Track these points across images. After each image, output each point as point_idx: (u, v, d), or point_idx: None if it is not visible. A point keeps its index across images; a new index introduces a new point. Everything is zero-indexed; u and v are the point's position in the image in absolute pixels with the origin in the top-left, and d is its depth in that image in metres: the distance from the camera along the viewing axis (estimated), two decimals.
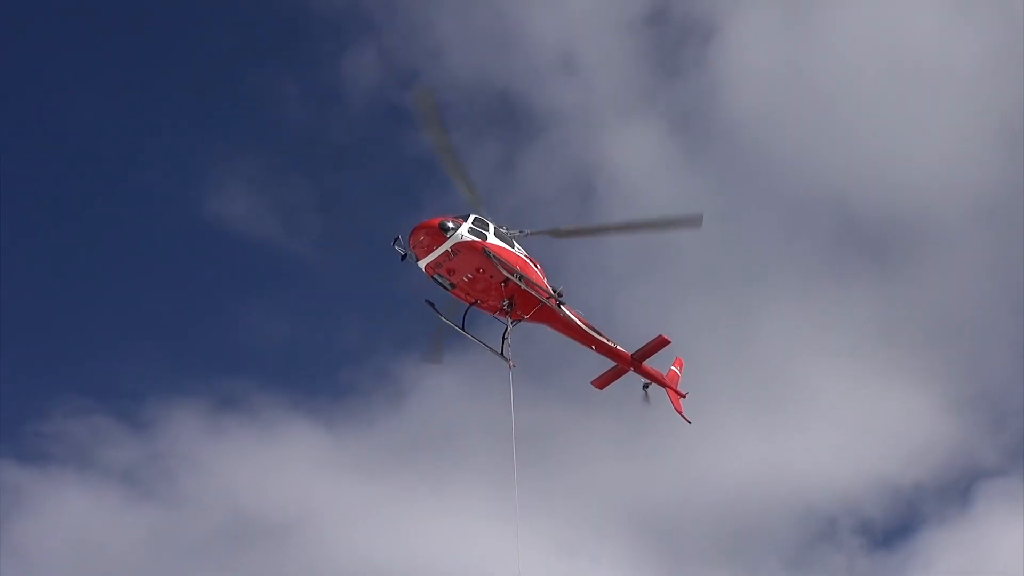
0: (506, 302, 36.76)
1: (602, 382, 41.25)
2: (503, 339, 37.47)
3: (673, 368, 43.91)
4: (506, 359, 37.45)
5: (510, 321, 37.41)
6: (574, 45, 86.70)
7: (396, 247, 35.42)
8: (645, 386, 42.22)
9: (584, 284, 79.19)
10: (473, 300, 36.81)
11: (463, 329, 37.86)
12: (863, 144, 79.16)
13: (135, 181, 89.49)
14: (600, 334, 39.53)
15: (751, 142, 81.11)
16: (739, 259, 74.74)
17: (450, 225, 35.28)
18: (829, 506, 73.10)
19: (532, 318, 37.64)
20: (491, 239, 36.00)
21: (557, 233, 36.92)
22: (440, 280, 36.00)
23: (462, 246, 35.30)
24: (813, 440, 73.51)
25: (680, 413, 42.94)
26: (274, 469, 75.78)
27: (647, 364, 41.70)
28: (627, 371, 41.11)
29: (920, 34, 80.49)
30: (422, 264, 35.47)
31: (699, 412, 73.92)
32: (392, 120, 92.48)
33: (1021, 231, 78.46)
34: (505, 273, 35.87)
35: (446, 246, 35.09)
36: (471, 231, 35.62)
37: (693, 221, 36.29)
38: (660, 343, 40.57)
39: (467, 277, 35.86)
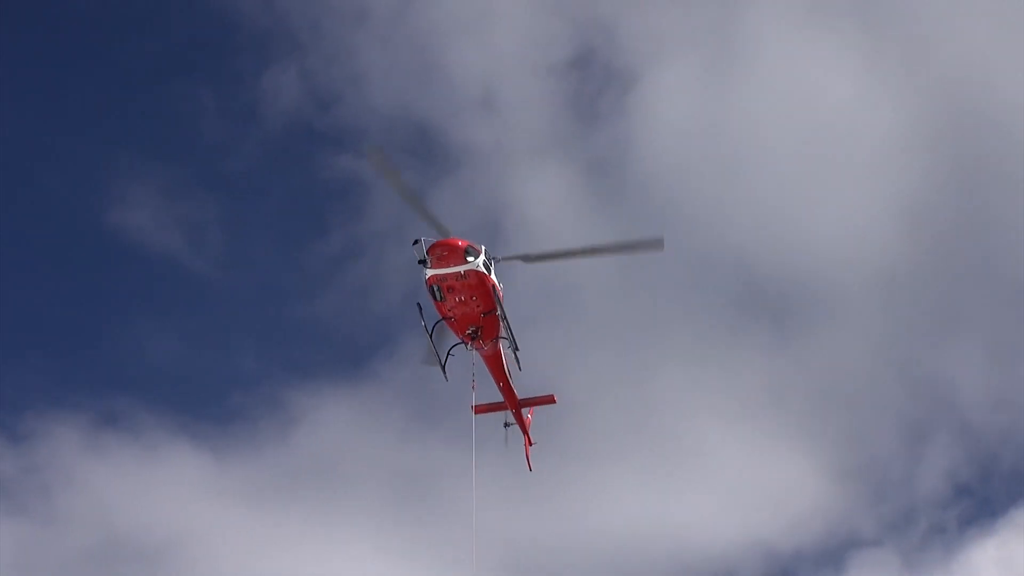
0: (474, 329, 38.44)
1: (482, 410, 43.17)
2: (447, 355, 40.22)
3: (528, 416, 45.44)
4: (445, 374, 40.53)
5: (469, 345, 39.56)
6: (495, 83, 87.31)
7: (415, 249, 37.02)
8: (507, 424, 44.63)
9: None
10: (449, 316, 38.33)
11: (431, 335, 39.78)
12: (769, 208, 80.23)
13: (32, 183, 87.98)
14: (509, 375, 42.14)
15: (661, 195, 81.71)
16: (641, 313, 75.04)
17: (472, 252, 37.02)
18: (708, 566, 73.29)
19: (480, 347, 39.89)
20: (492, 274, 37.88)
21: (527, 258, 38.41)
22: (435, 290, 37.46)
23: (473, 274, 37.07)
24: (699, 500, 73.86)
25: (527, 459, 45.39)
26: (153, 490, 74.36)
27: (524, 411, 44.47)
28: (507, 409, 43.92)
29: (834, 105, 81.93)
30: (431, 273, 37.05)
31: (590, 464, 74.79)
32: (307, 142, 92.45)
33: (913, 309, 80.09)
34: (500, 311, 38.00)
35: (461, 268, 36.84)
36: (484, 264, 37.41)
37: (655, 244, 37.87)
38: (547, 400, 44.01)
39: (460, 298, 37.49)
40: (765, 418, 76.40)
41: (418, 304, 39.37)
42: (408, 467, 75.82)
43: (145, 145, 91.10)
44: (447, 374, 40.35)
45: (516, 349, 39.47)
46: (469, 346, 39.54)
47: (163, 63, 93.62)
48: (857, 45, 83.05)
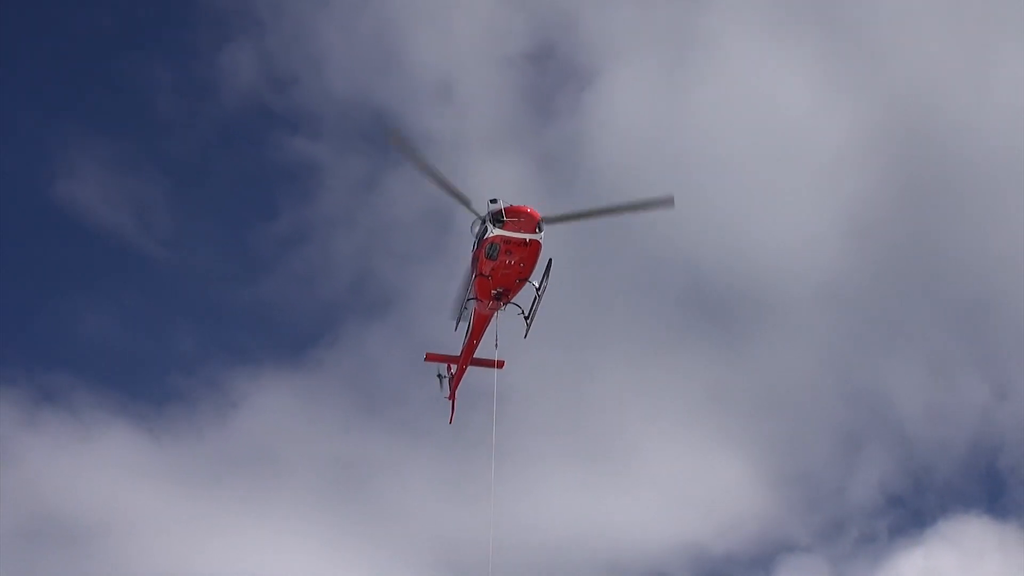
0: (502, 290, 39.29)
1: (434, 358, 44.80)
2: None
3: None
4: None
5: (487, 304, 40.24)
6: (454, 73, 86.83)
7: (491, 204, 37.60)
8: (440, 375, 46.04)
9: (433, 311, 79.77)
10: (487, 274, 38.87)
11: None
12: (719, 211, 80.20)
13: None
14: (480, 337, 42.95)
15: (612, 193, 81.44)
16: (586, 310, 75.05)
17: (543, 226, 37.71)
18: (640, 567, 73.66)
19: (494, 307, 40.55)
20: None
21: (544, 220, 38.39)
22: (492, 249, 37.97)
23: (536, 244, 37.89)
24: (634, 500, 74.12)
25: (452, 409, 46.62)
26: (88, 470, 73.74)
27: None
28: (455, 364, 44.89)
29: (789, 113, 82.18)
30: (500, 232, 37.52)
31: (527, 462, 74.90)
32: (262, 122, 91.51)
33: (855, 320, 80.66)
34: (543, 283, 39.37)
35: (528, 236, 37.49)
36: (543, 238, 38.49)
37: (666, 202, 38.38)
38: (497, 364, 43.41)
39: (511, 262, 38.19)
40: (704, 421, 76.87)
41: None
42: (346, 457, 75.91)
43: (97, 118, 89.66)
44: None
45: (530, 319, 40.52)
46: (488, 305, 40.21)
47: (120, 34, 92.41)
48: (815, 55, 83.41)
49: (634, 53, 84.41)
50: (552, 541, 69.24)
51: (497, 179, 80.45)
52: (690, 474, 75.28)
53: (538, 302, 40.08)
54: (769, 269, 77.36)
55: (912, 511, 77.74)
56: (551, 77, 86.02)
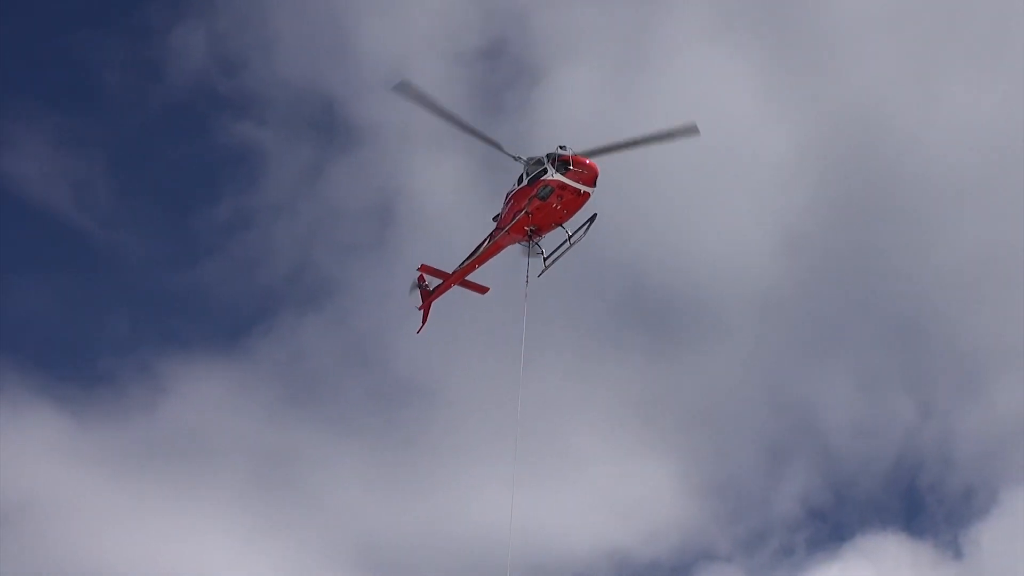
0: (536, 228, 40.91)
1: (429, 271, 45.85)
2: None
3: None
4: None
5: (525, 242, 41.83)
6: (404, 65, 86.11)
7: (560, 149, 39.25)
8: (420, 286, 46.82)
9: (369, 307, 79.44)
10: (527, 211, 40.22)
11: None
12: (660, 218, 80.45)
13: None
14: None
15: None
16: (519, 312, 74.93)
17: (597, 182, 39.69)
18: (563, 571, 73.58)
19: (522, 240, 41.91)
20: None
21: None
22: (545, 190, 39.56)
23: (587, 197, 39.76)
24: (561, 504, 73.98)
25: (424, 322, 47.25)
26: (8, 451, 72.28)
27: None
28: (448, 280, 45.53)
29: (734, 122, 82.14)
30: (562, 179, 39.17)
31: (458, 460, 74.72)
32: (209, 105, 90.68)
33: (787, 332, 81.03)
34: (579, 234, 40.96)
35: (584, 188, 39.37)
36: None
37: (690, 130, 40.48)
38: (482, 289, 45.61)
39: (558, 207, 39.87)
40: (634, 428, 76.90)
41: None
42: (275, 448, 75.36)
43: (42, 92, 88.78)
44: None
45: (550, 261, 41.50)
46: (514, 237, 41.60)
47: (71, 9, 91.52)
48: (762, 66, 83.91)
49: (584, 54, 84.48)
50: (478, 540, 69.14)
51: (442, 173, 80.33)
52: (618, 480, 75.37)
53: (567, 249, 41.22)
54: (706, 278, 77.64)
55: (832, 525, 78.38)
56: (501, 74, 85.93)
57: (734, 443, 78.99)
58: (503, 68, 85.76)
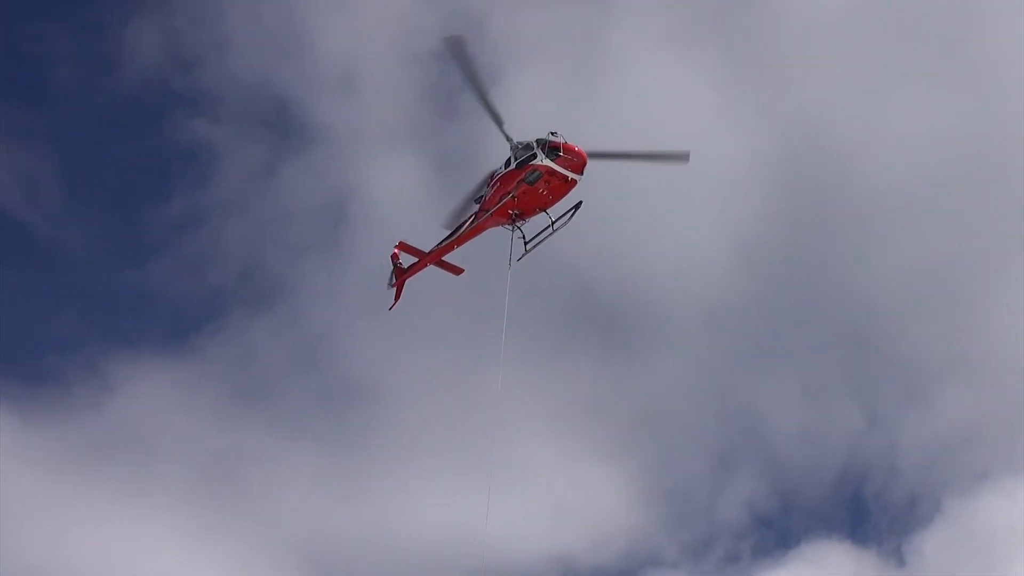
0: (519, 212, 41.16)
1: (406, 248, 45.56)
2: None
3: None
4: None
5: (508, 225, 42.02)
6: (359, 65, 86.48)
7: (551, 135, 39.99)
8: (395, 264, 46.40)
9: (320, 308, 79.23)
10: (513, 194, 40.57)
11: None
12: (613, 222, 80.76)
13: None
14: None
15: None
16: (472, 311, 74.93)
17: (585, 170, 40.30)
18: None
19: (505, 224, 42.18)
20: None
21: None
22: (533, 175, 39.91)
23: (574, 184, 40.25)
24: (508, 507, 73.85)
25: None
26: None
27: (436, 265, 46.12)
28: (425, 259, 45.45)
29: (688, 129, 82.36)
30: (551, 164, 39.62)
31: (405, 461, 74.68)
32: (163, 101, 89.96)
33: (736, 339, 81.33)
34: (563, 220, 41.26)
35: (571, 175, 39.89)
36: None
37: (681, 157, 41.38)
38: (457, 270, 45.69)
39: (544, 192, 40.24)
40: (582, 433, 76.92)
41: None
42: (222, 449, 74.87)
43: None
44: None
45: (531, 246, 41.85)
46: (495, 220, 41.90)
47: (24, 1, 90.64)
48: (717, 76, 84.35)
49: (541, 58, 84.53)
50: (423, 541, 69.21)
51: (395, 173, 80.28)
52: (565, 484, 75.47)
53: (550, 235, 41.42)
54: (657, 284, 78.02)
55: (777, 532, 78.78)
56: (455, 76, 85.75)
57: (681, 450, 79.37)
58: (457, 70, 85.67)
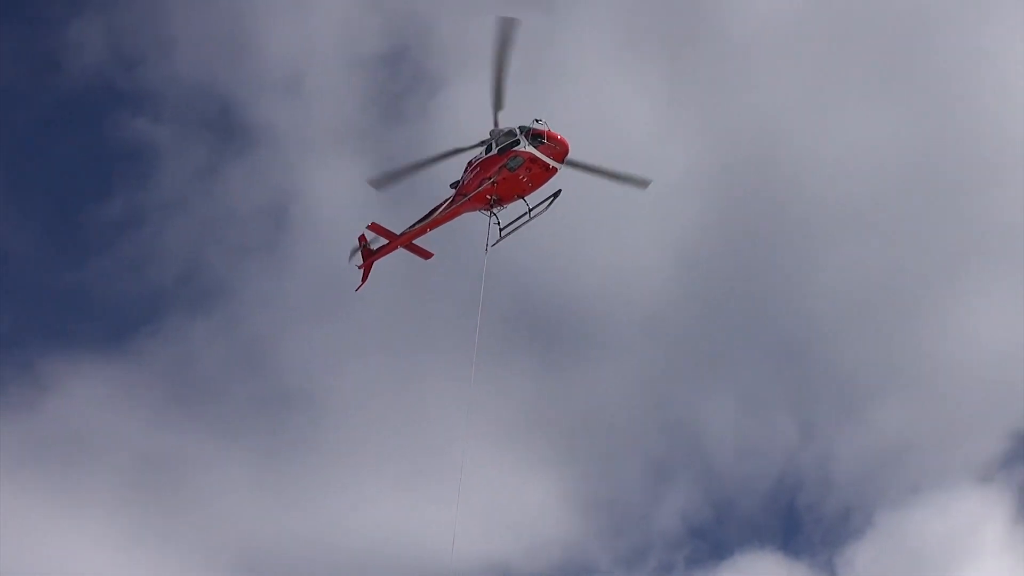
0: (497, 198, 41.67)
1: (377, 230, 45.49)
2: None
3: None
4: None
5: (482, 208, 42.64)
6: (304, 68, 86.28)
7: (535, 122, 40.57)
8: (363, 246, 46.68)
9: (260, 311, 78.80)
10: (493, 179, 41.01)
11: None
12: (554, 229, 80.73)
13: None
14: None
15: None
16: (416, 319, 74.77)
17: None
18: None
19: (482, 209, 42.61)
20: None
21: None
22: (514, 160, 40.43)
23: (555, 172, 40.85)
24: (446, 515, 73.83)
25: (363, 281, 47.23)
26: None
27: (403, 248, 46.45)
28: (396, 241, 45.66)
29: (632, 137, 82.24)
30: (534, 151, 40.18)
31: (346, 467, 74.42)
32: (105, 100, 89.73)
33: (675, 350, 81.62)
34: (540, 208, 42.04)
35: (553, 163, 40.48)
36: None
37: (642, 182, 42.54)
38: (427, 254, 45.98)
39: (525, 179, 40.82)
40: (518, 442, 76.84)
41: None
42: (158, 451, 74.36)
43: None
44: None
45: (507, 232, 42.23)
46: (473, 204, 42.37)
47: None
48: (660, 83, 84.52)
49: (486, 65, 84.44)
50: (361, 546, 69.09)
51: (338, 177, 79.95)
52: (503, 492, 75.35)
53: (526, 221, 41.96)
54: (597, 293, 78.02)
55: (711, 543, 79.13)
56: (401, 81, 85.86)
57: (618, 459, 79.58)
58: (403, 75, 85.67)
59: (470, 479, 74.77)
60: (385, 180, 41.99)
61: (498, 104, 40.41)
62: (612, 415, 79.97)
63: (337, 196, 79.23)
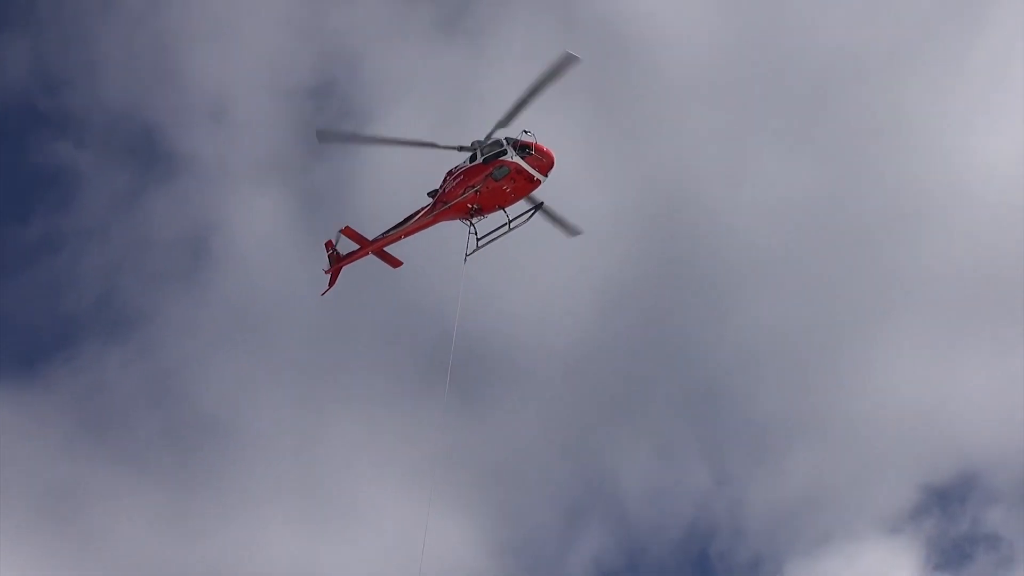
0: (478, 208, 41.79)
1: (351, 235, 45.47)
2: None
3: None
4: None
5: (463, 219, 42.77)
6: (231, 97, 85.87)
7: (524, 133, 40.72)
8: (334, 250, 46.54)
9: (176, 341, 77.85)
10: (477, 188, 41.20)
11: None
12: (474, 268, 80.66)
13: None
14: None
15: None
16: (332, 355, 74.35)
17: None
18: None
19: (462, 218, 42.76)
20: None
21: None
22: (500, 171, 40.61)
23: (538, 185, 41.19)
24: (352, 556, 73.30)
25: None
26: None
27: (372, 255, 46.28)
28: (366, 248, 45.58)
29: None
30: (521, 162, 40.43)
31: (249, 502, 73.44)
32: (27, 121, 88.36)
33: (593, 393, 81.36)
34: (520, 220, 42.31)
35: (538, 175, 40.79)
36: None
37: (573, 231, 43.58)
38: (395, 262, 45.95)
39: (508, 190, 41.02)
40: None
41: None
42: (62, 481, 73.14)
43: None
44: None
45: (484, 243, 42.42)
46: (453, 213, 42.43)
47: None
48: (583, 127, 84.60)
49: (413, 102, 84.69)
50: None
51: (260, 209, 79.53)
52: (413, 534, 74.78)
53: (504, 233, 42.10)
54: (518, 332, 77.90)
55: None
56: (329, 113, 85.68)
57: (532, 502, 79.16)
58: (331, 108, 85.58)
59: (381, 519, 74.82)
60: (332, 137, 41.99)
61: (505, 122, 40.53)
62: (527, 458, 79.76)
63: (258, 228, 78.93)
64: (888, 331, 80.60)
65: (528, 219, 42.26)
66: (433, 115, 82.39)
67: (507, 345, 77.23)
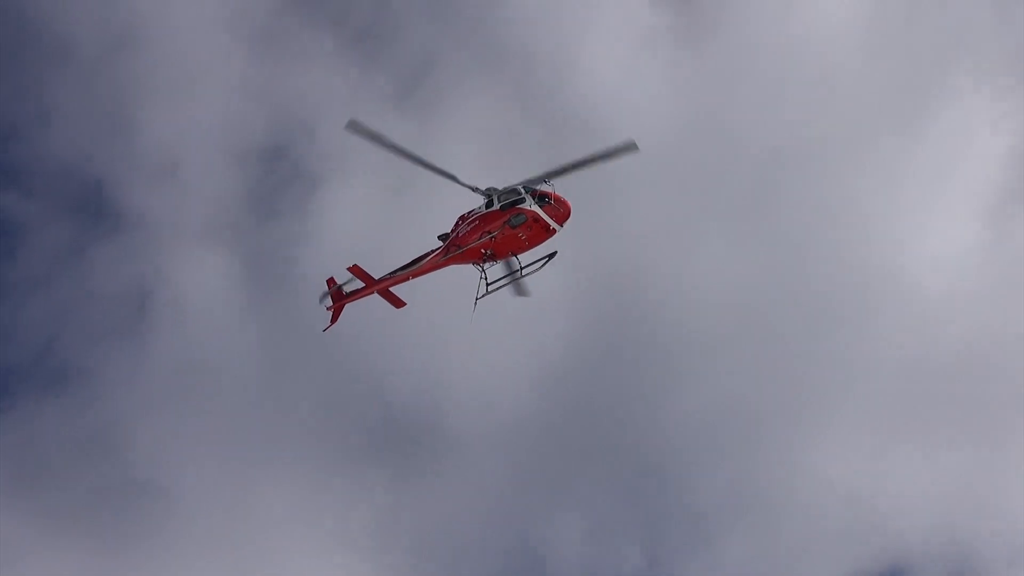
0: (492, 253, 42.49)
1: (358, 273, 45.96)
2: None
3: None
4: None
5: (475, 263, 43.47)
6: (183, 155, 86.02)
7: (547, 183, 41.55)
8: (338, 288, 47.36)
9: (115, 396, 77.01)
10: (494, 234, 41.90)
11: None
12: (419, 339, 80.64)
13: None
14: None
15: (314, 306, 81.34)
16: (264, 420, 73.90)
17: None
18: None
19: (474, 263, 43.54)
20: None
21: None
22: (517, 218, 41.40)
23: (553, 233, 42.27)
24: None
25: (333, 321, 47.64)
26: None
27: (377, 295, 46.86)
28: (370, 287, 46.34)
29: None
30: (538, 211, 41.35)
31: (183, 563, 72.24)
32: None
33: (530, 470, 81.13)
34: (532, 267, 43.12)
35: (554, 225, 41.88)
36: None
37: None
38: (399, 303, 46.48)
39: (524, 237, 41.85)
40: (365, 552, 75.79)
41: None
42: None
43: None
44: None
45: (493, 288, 42.99)
46: (466, 257, 43.01)
47: None
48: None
49: (364, 169, 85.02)
50: None
51: (205, 268, 79.24)
52: None
53: (516, 279, 43.00)
54: (457, 405, 77.91)
55: None
56: (280, 176, 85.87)
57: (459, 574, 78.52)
58: (282, 171, 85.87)
59: None
60: (364, 132, 42.09)
61: (544, 179, 41.47)
62: (460, 531, 79.27)
63: (203, 286, 78.60)
64: (827, 418, 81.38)
65: (541, 267, 42.89)
66: (382, 187, 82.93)
67: (445, 414, 77.27)
